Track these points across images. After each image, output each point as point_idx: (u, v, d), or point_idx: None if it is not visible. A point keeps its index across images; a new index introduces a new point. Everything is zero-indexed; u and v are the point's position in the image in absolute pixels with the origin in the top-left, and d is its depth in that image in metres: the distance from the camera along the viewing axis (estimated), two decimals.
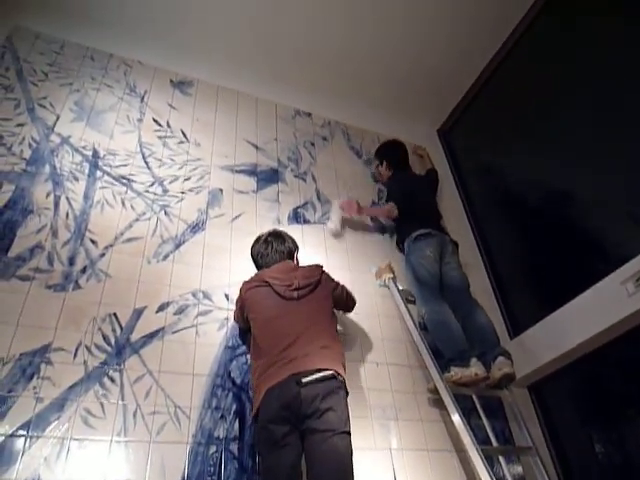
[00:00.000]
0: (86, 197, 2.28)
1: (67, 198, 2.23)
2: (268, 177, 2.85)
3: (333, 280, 2.11)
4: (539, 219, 2.94)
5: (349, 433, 1.63)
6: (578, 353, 2.32)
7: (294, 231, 2.62)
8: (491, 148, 3.51)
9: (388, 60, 3.40)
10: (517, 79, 3.32)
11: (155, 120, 2.76)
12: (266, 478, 1.63)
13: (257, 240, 2.22)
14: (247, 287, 2.01)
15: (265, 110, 3.22)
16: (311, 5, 3.01)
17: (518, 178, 3.19)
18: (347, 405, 1.70)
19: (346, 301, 2.17)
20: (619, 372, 2.41)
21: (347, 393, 1.76)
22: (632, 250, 2.17)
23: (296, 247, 2.23)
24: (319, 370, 1.68)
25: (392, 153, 3.20)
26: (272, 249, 2.14)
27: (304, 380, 1.65)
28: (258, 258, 2.17)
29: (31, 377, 1.72)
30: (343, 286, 2.14)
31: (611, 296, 2.15)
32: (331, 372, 1.70)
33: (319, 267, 2.09)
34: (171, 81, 3.02)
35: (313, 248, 2.63)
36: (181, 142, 2.74)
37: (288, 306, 1.88)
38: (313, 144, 3.22)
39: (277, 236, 2.20)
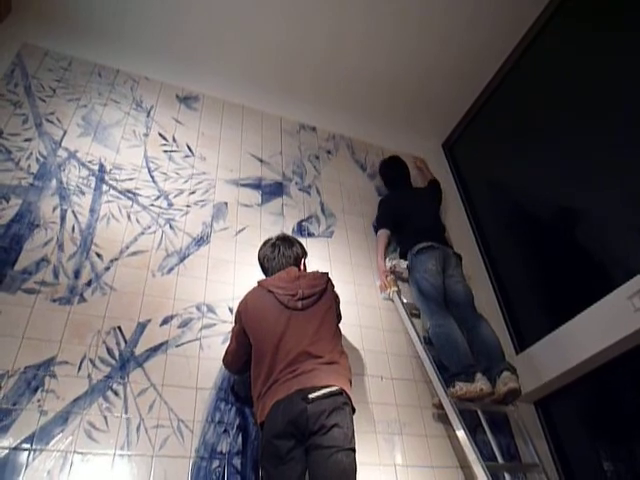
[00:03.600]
0: (92, 211, 2.30)
1: (73, 212, 2.25)
2: (273, 190, 2.87)
3: (334, 290, 2.05)
4: (544, 233, 2.93)
5: (354, 450, 1.61)
6: (585, 369, 2.30)
7: None
8: (496, 162, 3.52)
9: (394, 75, 3.43)
10: (521, 94, 3.34)
11: (161, 135, 2.80)
12: None
13: (265, 243, 2.14)
14: (248, 299, 1.95)
15: (270, 124, 3.25)
16: (319, 21, 3.06)
17: (524, 192, 3.19)
18: (352, 422, 1.68)
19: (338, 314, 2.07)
20: (627, 388, 2.38)
21: (354, 410, 1.73)
22: (639, 264, 2.16)
23: (304, 253, 2.14)
24: (326, 386, 1.66)
25: (384, 171, 3.27)
26: (279, 253, 2.06)
27: (310, 396, 1.62)
28: (264, 261, 2.09)
29: (35, 390, 1.73)
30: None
31: (618, 311, 2.13)
32: (337, 388, 1.67)
33: (324, 275, 2.02)
34: (177, 96, 3.06)
35: (318, 261, 2.62)
36: (187, 156, 2.77)
37: (292, 317, 1.82)
38: (318, 157, 3.25)
39: (285, 240, 2.12)
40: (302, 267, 2.09)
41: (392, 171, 3.24)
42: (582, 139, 2.74)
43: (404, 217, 2.84)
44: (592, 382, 2.40)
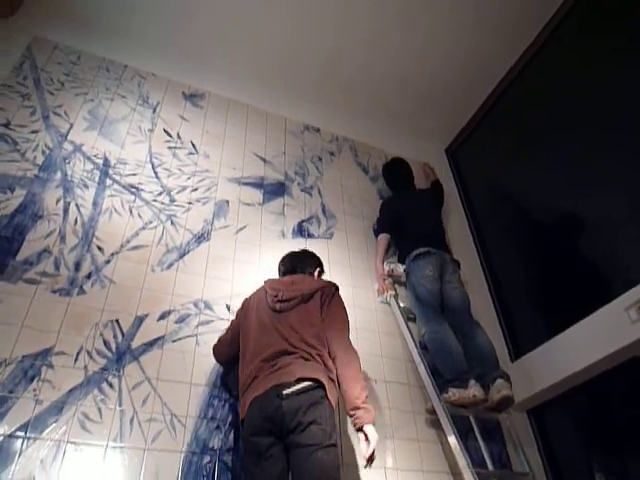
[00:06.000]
0: (95, 204, 2.32)
1: (76, 205, 2.28)
2: (274, 190, 2.89)
3: (332, 301, 1.94)
4: (545, 240, 2.94)
5: (335, 445, 1.58)
6: (579, 379, 2.30)
7: (298, 245, 2.65)
8: (498, 168, 3.52)
9: (399, 79, 3.46)
10: (525, 101, 3.34)
11: (166, 131, 2.82)
12: None
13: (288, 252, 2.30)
14: (252, 296, 2.04)
15: (275, 124, 3.27)
16: (326, 21, 3.09)
17: (525, 199, 3.20)
18: (332, 416, 1.66)
19: (337, 337, 1.87)
20: (621, 400, 2.38)
21: (331, 403, 1.68)
22: (638, 275, 2.16)
23: (317, 265, 2.20)
24: (300, 380, 1.64)
25: (387, 174, 3.29)
26: (289, 258, 2.21)
27: (285, 392, 1.61)
28: (279, 264, 2.23)
29: (32, 379, 1.75)
30: (343, 323, 1.92)
31: (614, 322, 2.13)
32: (312, 382, 1.65)
33: (329, 284, 2.01)
34: (183, 93, 3.09)
35: None
36: (190, 153, 2.79)
37: (274, 317, 1.86)
38: (320, 159, 3.26)
39: (303, 251, 2.29)
40: (314, 277, 2.15)
41: (394, 174, 3.25)
42: (586, 147, 2.73)
43: (404, 221, 2.86)
44: (586, 393, 2.41)
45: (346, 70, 3.38)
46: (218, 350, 2.04)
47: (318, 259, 2.24)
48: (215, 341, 2.07)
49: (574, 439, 2.55)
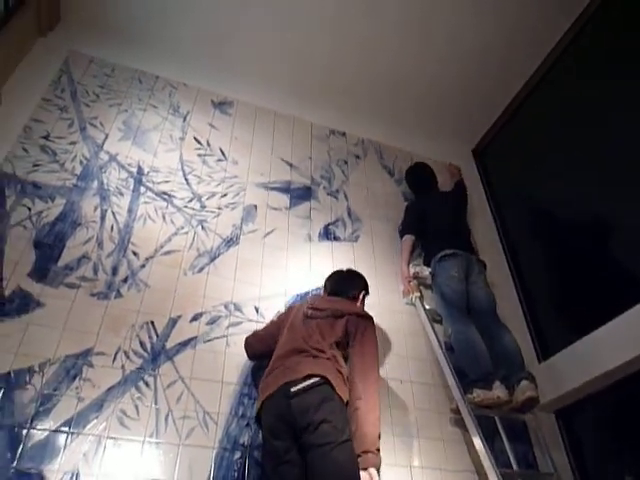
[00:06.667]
0: (130, 211, 2.44)
1: (113, 212, 2.40)
2: (301, 194, 2.96)
3: (365, 335, 1.97)
4: (573, 242, 2.90)
5: (349, 439, 1.63)
6: (607, 380, 2.28)
7: (324, 248, 2.73)
8: (526, 169, 3.49)
9: (425, 80, 3.47)
10: (554, 100, 3.31)
11: (196, 139, 2.92)
12: None
13: (337, 270, 2.39)
14: (297, 304, 2.20)
15: (301, 129, 3.34)
16: (352, 28, 3.13)
17: (553, 200, 3.16)
18: (343, 410, 1.71)
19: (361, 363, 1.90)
20: None
21: (342, 398, 1.74)
22: None
23: (362, 288, 2.28)
24: (308, 377, 1.71)
25: (410, 178, 3.32)
26: (335, 280, 2.29)
27: (292, 390, 1.68)
28: (325, 280, 2.33)
29: (74, 378, 1.86)
30: (372, 361, 1.93)
31: None
32: (319, 379, 1.71)
33: (360, 315, 2.04)
34: (212, 102, 3.19)
35: (343, 265, 2.67)
36: (219, 160, 2.88)
37: (304, 321, 1.98)
38: (346, 162, 3.32)
39: (348, 272, 2.36)
40: (359, 303, 2.22)
41: (417, 177, 3.28)
42: (616, 147, 2.70)
43: (428, 223, 2.88)
44: (615, 394, 2.38)
45: (371, 73, 3.42)
46: (249, 342, 2.13)
47: (363, 281, 2.30)
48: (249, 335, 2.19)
49: (603, 441, 2.52)
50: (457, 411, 2.24)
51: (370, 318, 2.06)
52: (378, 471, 1.70)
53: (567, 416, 2.55)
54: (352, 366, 1.88)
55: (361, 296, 2.24)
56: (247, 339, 2.15)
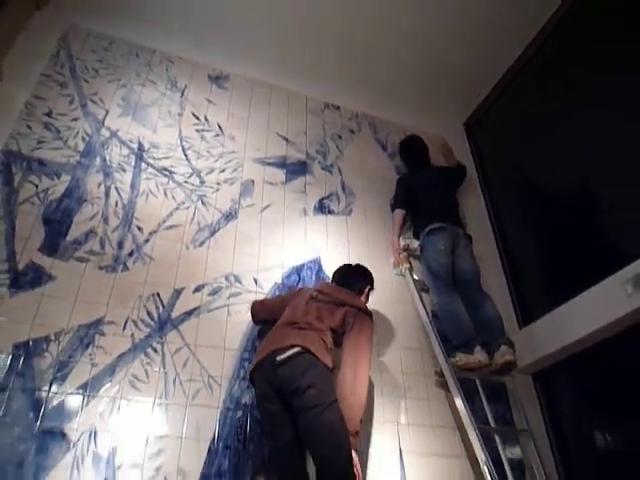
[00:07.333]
0: (132, 187, 2.54)
1: (116, 188, 2.50)
2: (296, 169, 3.06)
3: (362, 330, 2.04)
4: (557, 214, 3.01)
5: (335, 400, 1.77)
6: (580, 346, 2.46)
7: (319, 221, 2.86)
8: (516, 143, 3.57)
9: (417, 52, 3.48)
10: (547, 74, 3.32)
11: (194, 114, 3.00)
12: (271, 454, 1.93)
13: (346, 264, 2.50)
14: (305, 287, 2.40)
15: (296, 104, 3.41)
16: (345, 1, 3.12)
17: (540, 173, 3.24)
18: (326, 374, 1.84)
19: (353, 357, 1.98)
20: (619, 366, 2.53)
21: (326, 364, 1.86)
22: (636, 251, 2.28)
23: (367, 283, 2.37)
24: (291, 347, 1.85)
25: (402, 151, 3.42)
26: (342, 273, 2.40)
27: (278, 359, 1.82)
28: (334, 272, 2.44)
29: (87, 346, 2.02)
30: (363, 350, 2.01)
31: (612, 295, 2.27)
32: (300, 349, 1.84)
33: (360, 309, 2.12)
34: (209, 76, 3.24)
35: (336, 238, 2.84)
36: (217, 135, 2.97)
37: (308, 301, 2.13)
38: (340, 137, 3.40)
39: (357, 267, 2.44)
40: (363, 297, 2.32)
41: (410, 151, 3.37)
42: (608, 121, 2.73)
43: (418, 197, 3.00)
44: (587, 359, 2.57)
45: (364, 47, 3.42)
46: (254, 308, 2.32)
47: (369, 277, 2.40)
48: (246, 316, 2.35)
49: (575, 401, 2.73)
50: (441, 374, 2.43)
51: (369, 314, 2.14)
52: (358, 452, 1.81)
53: (543, 378, 2.75)
54: (344, 357, 1.97)
55: (366, 290, 2.34)
56: (253, 304, 2.33)
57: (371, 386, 2.32)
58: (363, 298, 2.31)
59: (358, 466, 1.76)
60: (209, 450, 1.96)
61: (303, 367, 1.80)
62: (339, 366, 1.96)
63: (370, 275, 2.41)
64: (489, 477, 2.02)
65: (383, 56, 3.50)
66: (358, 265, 2.46)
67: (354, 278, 2.36)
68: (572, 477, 2.49)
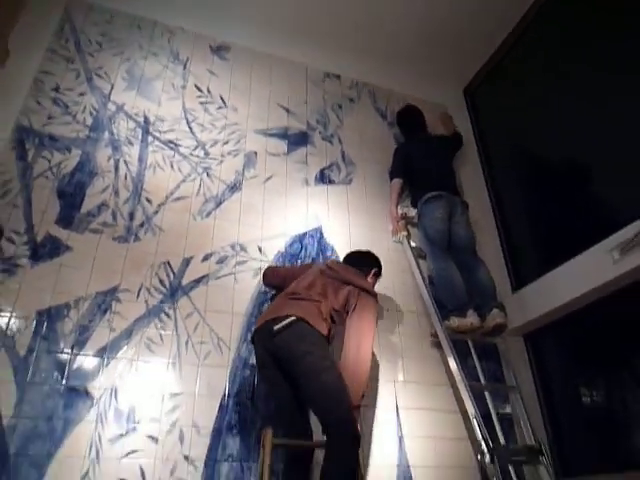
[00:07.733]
0: (140, 160, 2.64)
1: (125, 161, 2.60)
2: (298, 140, 3.14)
3: (364, 310, 2.10)
4: (552, 182, 3.09)
5: (332, 362, 1.87)
6: (568, 309, 2.60)
7: (320, 191, 2.96)
8: (515, 109, 3.59)
9: (417, 19, 3.47)
10: (548, 40, 3.32)
11: (197, 86, 3.05)
12: (275, 411, 2.09)
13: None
14: (315, 264, 2.48)
15: (296, 73, 3.44)
16: None
17: (538, 141, 3.30)
18: (323, 342, 1.93)
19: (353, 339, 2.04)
20: (604, 328, 2.67)
21: (321, 332, 1.93)
22: (627, 217, 2.37)
23: (374, 267, 2.43)
24: (287, 316, 1.92)
25: (400, 120, 3.47)
26: (353, 256, 2.49)
27: (275, 328, 1.89)
28: (345, 256, 2.54)
29: (105, 312, 2.17)
30: (366, 328, 2.07)
31: (599, 261, 2.39)
32: (295, 318, 1.91)
33: (363, 289, 2.17)
34: (210, 47, 3.27)
35: (337, 207, 2.94)
36: (220, 107, 3.03)
37: (317, 275, 2.22)
38: (340, 106, 3.45)
39: (367, 252, 2.53)
40: (369, 278, 2.38)
41: (407, 120, 3.43)
42: (609, 89, 2.74)
43: (415, 166, 3.07)
44: (575, 321, 2.71)
45: (363, 14, 3.42)
46: (266, 274, 2.45)
47: (377, 262, 2.47)
48: (251, 283, 2.50)
49: (563, 360, 2.90)
50: (436, 335, 2.58)
51: (373, 295, 2.19)
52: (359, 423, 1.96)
53: (533, 339, 2.91)
54: (347, 335, 2.03)
55: (372, 273, 2.40)
56: (266, 270, 2.47)
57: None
58: (370, 279, 2.38)
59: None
60: (220, 406, 2.13)
61: (298, 335, 1.89)
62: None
63: (378, 261, 2.48)
64: (478, 429, 2.20)
65: (382, 24, 3.49)
66: (368, 251, 2.54)
67: (361, 261, 2.43)
68: (559, 431, 2.68)
